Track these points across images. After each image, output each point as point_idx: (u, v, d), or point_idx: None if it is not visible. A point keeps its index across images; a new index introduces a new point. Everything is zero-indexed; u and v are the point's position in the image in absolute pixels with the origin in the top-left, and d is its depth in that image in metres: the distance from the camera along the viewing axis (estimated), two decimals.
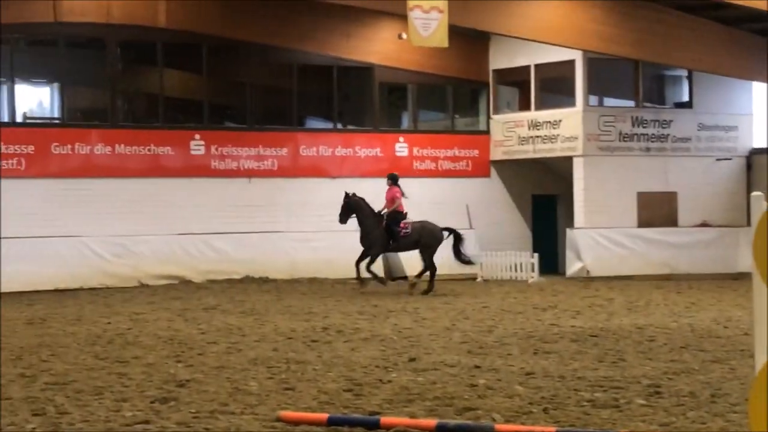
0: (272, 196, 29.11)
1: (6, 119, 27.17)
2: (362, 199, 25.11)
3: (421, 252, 25.29)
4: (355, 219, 25.04)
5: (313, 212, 29.15)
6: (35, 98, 29.09)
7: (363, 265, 24.82)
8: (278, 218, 29.07)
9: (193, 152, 28.40)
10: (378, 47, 30.71)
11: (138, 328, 18.02)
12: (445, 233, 25.61)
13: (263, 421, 10.00)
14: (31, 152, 26.55)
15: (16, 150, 26.36)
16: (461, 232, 26.02)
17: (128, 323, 18.76)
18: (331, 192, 29.41)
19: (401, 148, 31.03)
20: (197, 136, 28.45)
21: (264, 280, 27.84)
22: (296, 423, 9.79)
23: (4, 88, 27.46)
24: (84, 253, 26.49)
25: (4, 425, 10.04)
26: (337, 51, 30.21)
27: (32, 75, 28.52)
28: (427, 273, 25.17)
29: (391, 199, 25.32)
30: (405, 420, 9.61)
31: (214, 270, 27.83)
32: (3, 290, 24.91)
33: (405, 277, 28.37)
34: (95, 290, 25.86)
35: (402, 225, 25.01)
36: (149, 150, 27.85)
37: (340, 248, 28.64)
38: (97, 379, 12.62)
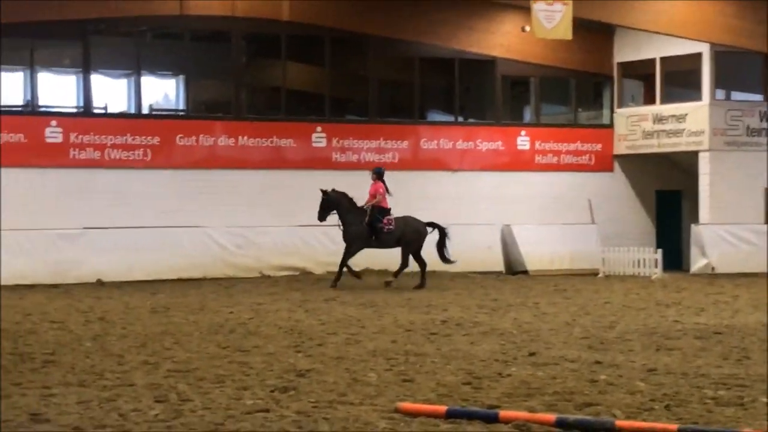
0: (392, 189, 29.05)
1: (133, 111, 27.64)
2: (343, 194, 24.42)
3: (402, 249, 24.75)
4: (336, 215, 24.38)
5: (433, 205, 29.05)
6: (161, 90, 29.54)
7: (349, 260, 24.41)
8: (397, 211, 29.02)
9: (314, 144, 28.57)
10: (501, 40, 30.51)
11: (259, 318, 18.18)
12: (429, 228, 25.03)
13: (381, 412, 10.00)
14: (157, 143, 26.97)
15: (142, 141, 26.80)
16: (445, 227, 25.23)
17: (250, 313, 18.94)
18: (452, 185, 29.42)
19: (523, 141, 30.81)
20: (319, 129, 28.61)
21: (384, 273, 27.84)
22: (414, 415, 9.76)
23: (131, 80, 27.92)
24: (207, 243, 26.83)
25: (128, 411, 10.20)
26: (459, 44, 30.11)
27: (158, 67, 28.97)
28: (420, 269, 24.72)
29: (374, 194, 24.50)
30: (524, 414, 9.52)
31: (335, 262, 27.86)
32: (128, 279, 25.39)
33: (525, 272, 28.22)
34: (217, 280, 26.17)
35: (385, 221, 24.39)
36: (271, 142, 28.10)
37: (460, 241, 28.53)
38: (219, 368, 12.76)
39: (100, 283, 25.04)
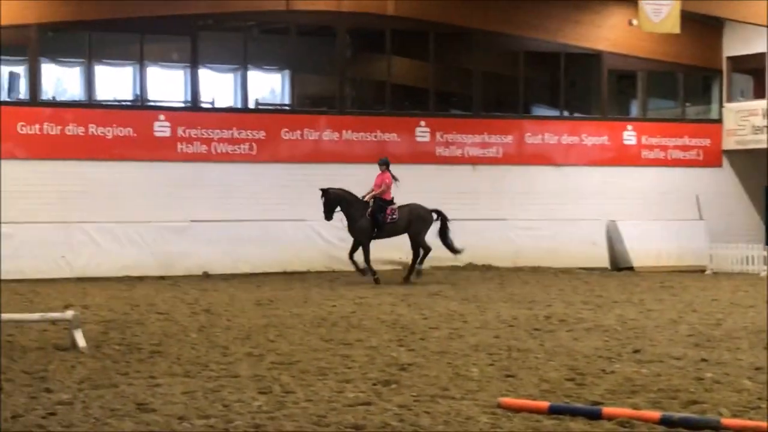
0: (496, 184, 29.02)
1: (239, 105, 27.93)
2: (342, 190, 24.13)
3: (411, 237, 24.45)
4: (341, 212, 24.10)
5: (537, 200, 28.96)
6: (267, 85, 29.81)
7: (357, 255, 24.19)
8: (502, 206, 28.98)
9: (418, 139, 28.59)
10: (607, 34, 30.21)
11: (362, 311, 18.25)
12: (434, 215, 24.74)
13: (483, 407, 9.98)
14: (263, 137, 27.22)
15: (248, 135, 27.06)
16: (448, 215, 24.93)
17: (352, 307, 19.02)
18: (557, 180, 29.23)
19: (629, 136, 30.46)
20: (423, 123, 28.62)
21: (487, 268, 27.80)
22: (517, 410, 9.73)
23: (238, 74, 28.22)
24: (311, 237, 27.01)
25: (232, 401, 10.32)
26: (564, 38, 29.88)
27: (264, 62, 29.23)
28: (421, 253, 24.55)
29: (380, 185, 24.16)
30: (628, 411, 9.43)
31: (438, 256, 27.89)
32: (233, 271, 25.68)
33: (631, 268, 27.94)
34: (321, 274, 26.33)
35: (389, 211, 24.09)
36: (375, 136, 28.18)
37: (564, 237, 28.45)
38: (322, 360, 12.84)
39: (206, 276, 25.36)
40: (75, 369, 12.24)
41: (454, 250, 24.77)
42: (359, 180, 27.62)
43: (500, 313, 18.01)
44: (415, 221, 24.29)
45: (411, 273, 24.24)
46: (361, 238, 23.98)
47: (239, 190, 26.68)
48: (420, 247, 24.41)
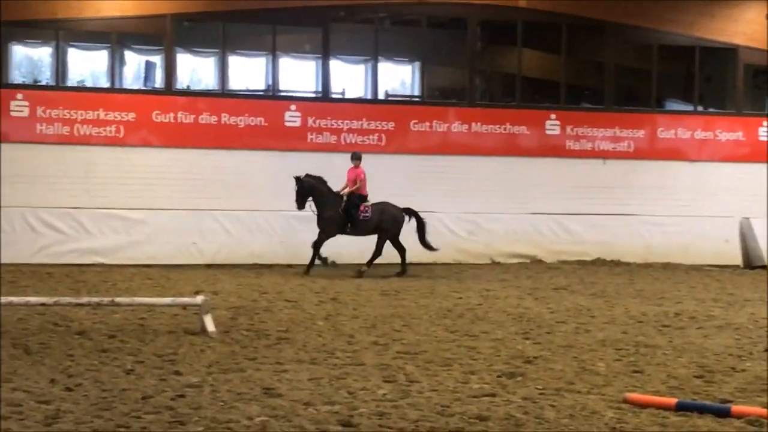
0: (627, 178, 28.64)
1: (369, 96, 28.06)
2: (318, 179, 23.59)
3: (379, 236, 23.83)
4: (312, 202, 23.57)
5: (668, 196, 28.51)
6: (397, 76, 29.89)
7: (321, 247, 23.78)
8: (632, 201, 28.59)
9: (548, 132, 28.37)
10: (743, 28, 29.59)
11: (488, 304, 18.21)
12: (406, 216, 24.15)
13: (609, 402, 9.89)
14: (392, 129, 27.29)
15: (377, 126, 27.17)
16: (423, 215, 24.35)
17: (479, 299, 18.99)
18: (689, 176, 28.73)
19: (765, 132, 29.79)
20: (553, 116, 28.40)
21: (616, 263, 27.49)
22: (643, 406, 9.62)
23: (369, 66, 28.35)
24: (438, 228, 26.99)
25: (357, 389, 10.38)
26: (699, 31, 29.34)
27: (395, 54, 29.30)
28: (400, 256, 24.03)
29: (354, 180, 23.67)
30: (758, 410, 9.26)
31: (566, 251, 27.75)
32: (361, 261, 25.73)
33: (765, 266, 27.36)
34: (448, 265, 26.32)
35: (362, 208, 23.57)
36: (505, 129, 28.04)
37: (696, 234, 27.97)
38: (447, 351, 12.85)
39: (333, 265, 25.52)
40: (204, 353, 12.46)
41: (430, 248, 24.28)
42: (488, 173, 27.61)
43: (629, 308, 17.80)
44: (387, 221, 23.88)
45: (404, 270, 23.85)
46: (327, 228, 23.57)
47: (367, 180, 26.75)
48: (393, 247, 24.03)
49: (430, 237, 24.36)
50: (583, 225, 28.00)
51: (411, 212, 24.27)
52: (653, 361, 12.30)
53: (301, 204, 23.37)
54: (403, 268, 23.90)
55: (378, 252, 23.87)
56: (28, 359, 11.88)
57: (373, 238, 23.95)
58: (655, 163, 28.84)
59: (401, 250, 24.08)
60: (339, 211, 23.45)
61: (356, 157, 23.99)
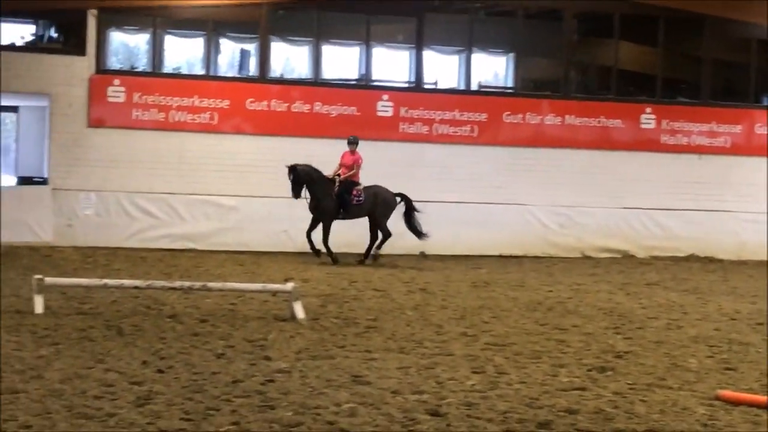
0: (723, 175, 28.21)
1: (462, 87, 27.96)
2: (310, 167, 23.05)
3: (372, 221, 23.46)
4: (306, 190, 23.06)
5: (764, 193, 28.01)
6: (491, 67, 29.74)
7: (315, 234, 23.20)
8: (727, 197, 28.16)
9: (643, 126, 28.04)
10: None
11: (578, 298, 18.08)
12: (398, 199, 23.69)
13: (701, 399, 9.78)
14: (484, 120, 27.17)
15: (470, 117, 27.07)
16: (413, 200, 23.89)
17: (569, 293, 18.86)
18: None
19: None
20: (648, 110, 28.05)
21: (709, 260, 27.11)
22: (735, 403, 9.49)
23: (462, 57, 28.25)
24: (529, 221, 26.88)
25: (445, 379, 10.37)
26: None
27: (490, 45, 29.14)
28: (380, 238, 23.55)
29: (351, 165, 23.28)
30: None
31: (659, 246, 27.44)
32: (450, 252, 25.81)
33: None
34: (538, 258, 26.18)
35: (354, 192, 23.10)
36: (599, 122, 27.77)
37: None
38: (536, 344, 12.79)
39: (423, 255, 25.53)
40: (293, 339, 12.54)
41: (419, 234, 24.01)
42: (581, 166, 27.39)
43: (722, 305, 17.55)
44: (380, 205, 23.53)
45: (367, 256, 23.52)
46: (324, 218, 23.16)
47: (459, 171, 26.72)
48: (379, 231, 23.59)
49: (421, 223, 24.08)
50: (677, 221, 27.65)
51: (403, 197, 23.95)
52: (746, 359, 12.13)
53: (297, 193, 22.96)
54: (371, 254, 23.57)
55: (385, 234, 23.60)
56: (121, 341, 12.05)
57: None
58: (752, 160, 28.36)
59: (375, 237, 23.65)
60: (333, 196, 23.09)
61: (353, 142, 23.58)
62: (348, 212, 23.29)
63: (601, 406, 9.35)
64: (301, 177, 22.85)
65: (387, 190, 23.82)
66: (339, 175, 23.31)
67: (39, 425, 8.07)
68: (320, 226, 23.27)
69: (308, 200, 23.11)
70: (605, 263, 25.59)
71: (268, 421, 8.46)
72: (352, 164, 23.42)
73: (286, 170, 22.91)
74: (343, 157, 23.58)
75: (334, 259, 23.07)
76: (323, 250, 23.18)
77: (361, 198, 23.34)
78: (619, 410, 9.23)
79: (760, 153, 28.34)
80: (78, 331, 12.53)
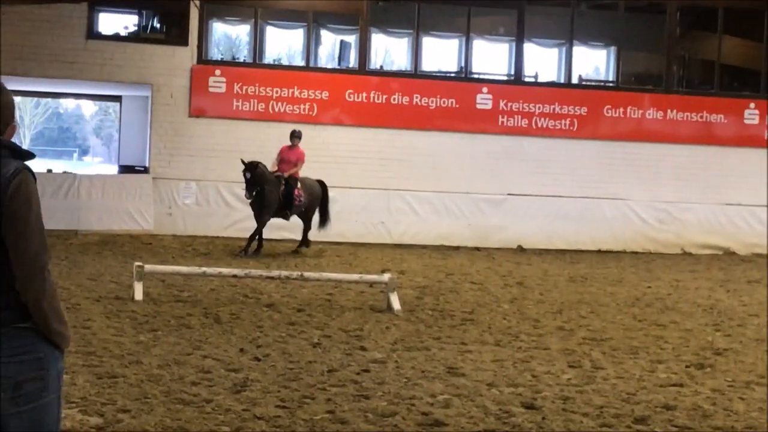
0: None
1: (562, 80, 27.76)
2: (262, 164, 21.55)
3: (306, 212, 22.52)
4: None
5: None
6: (592, 61, 29.50)
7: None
8: None
9: (746, 121, 27.59)
10: None
11: (678, 294, 17.86)
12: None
13: None
14: (584, 114, 26.94)
15: (569, 111, 26.86)
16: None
17: (668, 289, 18.64)
18: None
19: None
20: (752, 105, 27.59)
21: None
22: None
23: (563, 50, 28.06)
24: (628, 216, 26.61)
25: (541, 372, 10.30)
26: None
27: (590, 38, 28.90)
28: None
29: (295, 162, 21.90)
30: None
31: (761, 243, 26.96)
32: (547, 246, 25.67)
33: None
34: (637, 254, 25.91)
35: (296, 192, 21.92)
36: (701, 117, 27.38)
37: None
38: (634, 339, 12.66)
39: (520, 249, 25.43)
40: (389, 330, 12.56)
41: (325, 222, 23.00)
42: (682, 161, 27.02)
43: None
44: (316, 199, 22.72)
45: (304, 244, 22.75)
46: (268, 213, 21.78)
47: (557, 165, 26.54)
48: (304, 219, 22.75)
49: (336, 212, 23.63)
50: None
51: (322, 184, 23.08)
52: None
53: (252, 192, 21.33)
54: (304, 242, 22.82)
55: (311, 223, 22.84)
56: (218, 328, 12.18)
57: None
58: None
59: (309, 226, 22.91)
60: (279, 194, 21.85)
61: (297, 136, 22.28)
62: (291, 212, 22.19)
63: (698, 402, 9.22)
64: (259, 177, 21.35)
65: (314, 182, 22.91)
66: (282, 173, 21.92)
67: (137, 409, 8.19)
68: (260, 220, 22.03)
69: (252, 198, 21.51)
70: (705, 260, 25.24)
71: (362, 410, 8.49)
72: (296, 161, 22.05)
73: (242, 166, 21.44)
74: (282, 152, 22.25)
75: (247, 250, 21.51)
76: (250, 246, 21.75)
77: (302, 199, 22.18)
78: (717, 407, 9.09)
79: None
80: (176, 318, 12.69)
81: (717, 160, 27.23)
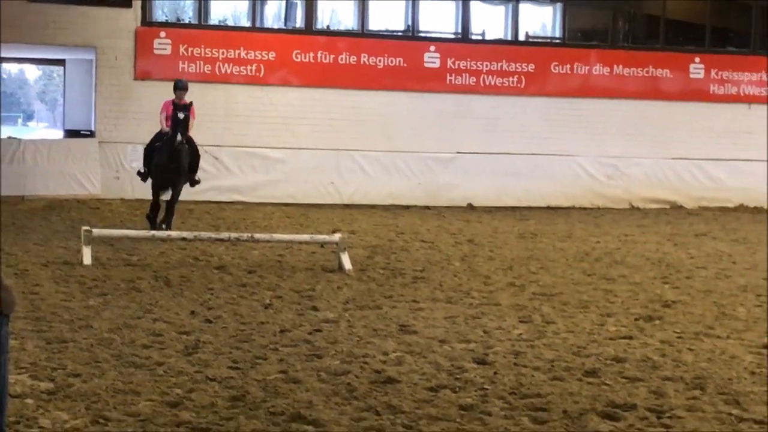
0: None
1: (509, 38, 27.76)
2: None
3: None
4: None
5: None
6: (538, 18, 29.49)
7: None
8: None
9: (692, 76, 27.76)
10: None
11: (626, 248, 17.99)
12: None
13: (749, 347, 9.73)
14: (531, 71, 26.98)
15: (517, 68, 26.88)
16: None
17: (617, 243, 18.78)
18: None
19: None
20: (697, 60, 27.75)
21: (759, 210, 26.87)
22: None
23: (509, 7, 28.03)
24: (577, 172, 26.74)
25: (492, 328, 10.38)
26: None
27: None
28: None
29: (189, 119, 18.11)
30: None
31: (707, 197, 27.22)
32: (497, 204, 25.78)
33: None
34: (586, 209, 26.06)
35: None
36: (647, 72, 27.51)
37: None
38: (583, 294, 12.76)
39: (470, 207, 25.51)
40: (341, 290, 12.57)
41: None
42: (629, 117, 27.15)
43: None
44: None
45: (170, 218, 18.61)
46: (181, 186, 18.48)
47: (506, 123, 26.60)
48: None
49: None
50: (726, 171, 27.40)
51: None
52: None
53: (182, 141, 17.83)
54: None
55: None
56: (168, 291, 12.14)
57: None
58: None
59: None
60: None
61: (182, 87, 18.38)
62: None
63: (648, 354, 9.31)
64: (187, 125, 17.95)
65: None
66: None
67: (87, 374, 8.15)
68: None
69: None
70: (653, 214, 25.45)
71: (315, 369, 8.50)
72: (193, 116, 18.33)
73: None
74: (167, 108, 18.32)
75: (157, 223, 18.19)
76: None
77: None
78: (667, 359, 9.19)
79: None
80: (126, 282, 12.63)
81: (663, 115, 27.39)
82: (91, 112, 25.87)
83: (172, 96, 18.55)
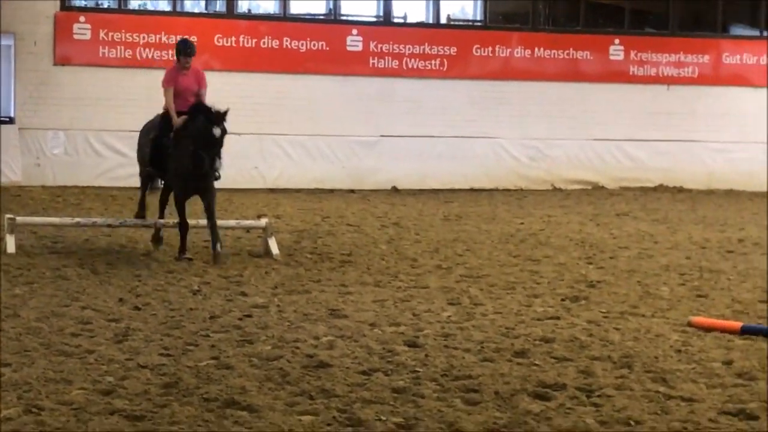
0: (691, 105, 28.28)
1: (431, 20, 27.83)
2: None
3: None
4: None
5: (733, 122, 28.13)
6: (460, 1, 29.61)
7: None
8: (696, 127, 28.25)
9: (611, 57, 28.04)
10: None
11: (550, 229, 18.19)
12: None
13: (674, 325, 9.91)
14: (453, 54, 27.07)
15: (439, 51, 26.97)
16: None
17: (541, 224, 18.97)
18: (755, 102, 28.30)
19: None
20: (617, 41, 28.03)
21: (678, 190, 27.27)
22: (708, 329, 9.63)
23: None
24: (500, 154, 26.92)
25: (421, 311, 10.46)
26: None
27: None
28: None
29: (202, 89, 14.96)
30: None
31: (628, 177, 27.53)
32: (422, 187, 25.88)
33: None
34: (509, 191, 26.26)
35: None
36: (568, 54, 27.73)
37: (760, 160, 27.58)
38: (510, 275, 12.90)
39: (395, 190, 25.59)
40: (269, 275, 12.59)
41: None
42: (550, 99, 27.37)
43: (692, 234, 17.71)
44: None
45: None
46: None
47: (429, 105, 26.66)
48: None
49: None
50: (646, 151, 27.74)
51: None
52: (717, 286, 12.27)
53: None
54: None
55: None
56: (95, 279, 12.06)
57: None
58: (720, 89, 28.45)
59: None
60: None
61: (189, 53, 14.80)
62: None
63: (575, 334, 9.46)
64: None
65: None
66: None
67: (17, 363, 8.10)
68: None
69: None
70: (575, 195, 25.71)
71: (247, 355, 8.52)
72: (201, 87, 14.98)
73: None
74: (170, 80, 14.88)
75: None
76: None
77: None
78: (594, 338, 9.34)
79: (728, 83, 28.44)
80: (52, 270, 12.53)
81: (584, 97, 27.64)
82: (10, 98, 25.50)
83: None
